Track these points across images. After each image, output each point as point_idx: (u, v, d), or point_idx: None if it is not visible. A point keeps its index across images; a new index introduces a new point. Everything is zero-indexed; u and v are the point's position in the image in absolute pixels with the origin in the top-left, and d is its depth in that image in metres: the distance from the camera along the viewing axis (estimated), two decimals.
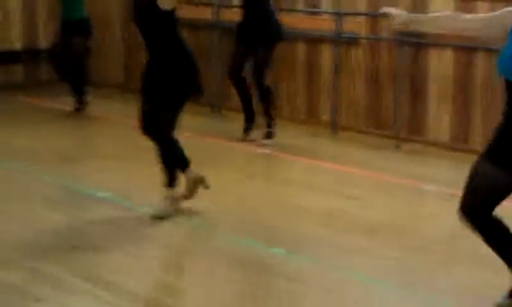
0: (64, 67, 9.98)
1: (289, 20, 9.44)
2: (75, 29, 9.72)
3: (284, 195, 7.12)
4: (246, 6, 8.58)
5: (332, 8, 9.34)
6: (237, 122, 8.92)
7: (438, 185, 7.26)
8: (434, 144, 8.60)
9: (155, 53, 6.05)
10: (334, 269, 5.38)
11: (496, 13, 4.24)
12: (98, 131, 9.62)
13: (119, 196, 6.87)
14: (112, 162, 7.97)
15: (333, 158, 8.33)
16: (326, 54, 9.52)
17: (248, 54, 8.58)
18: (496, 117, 7.97)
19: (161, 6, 5.73)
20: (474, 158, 7.77)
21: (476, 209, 4.35)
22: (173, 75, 6.01)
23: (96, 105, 10.12)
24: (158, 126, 6.06)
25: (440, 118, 8.58)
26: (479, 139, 8.23)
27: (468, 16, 4.51)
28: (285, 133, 9.06)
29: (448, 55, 8.43)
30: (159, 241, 5.96)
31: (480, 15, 4.80)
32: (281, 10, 9.55)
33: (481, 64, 8.20)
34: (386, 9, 4.52)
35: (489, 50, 8.03)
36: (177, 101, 6.04)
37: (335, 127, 9.30)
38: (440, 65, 8.51)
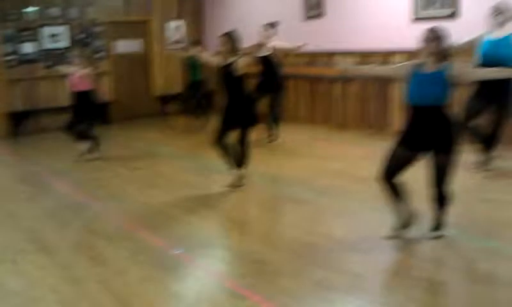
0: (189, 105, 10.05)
1: (299, 69, 9.52)
2: (197, 86, 9.72)
3: (315, 163, 6.98)
4: (264, 67, 7.92)
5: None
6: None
7: None
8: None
9: (232, 97, 5.64)
10: (340, 199, 5.40)
11: (399, 65, 4.24)
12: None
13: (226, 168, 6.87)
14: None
15: (341, 142, 8.18)
16: (328, 87, 9.35)
17: (263, 96, 7.94)
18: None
19: (236, 73, 5.50)
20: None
21: (389, 174, 4.11)
22: (244, 111, 5.68)
23: None
24: (246, 138, 5.76)
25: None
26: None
27: (381, 67, 4.47)
28: (311, 131, 8.89)
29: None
30: (248, 186, 5.91)
31: (388, 67, 4.62)
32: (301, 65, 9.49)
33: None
34: (339, 61, 4.43)
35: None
36: (248, 125, 5.69)
37: (342, 126, 9.19)
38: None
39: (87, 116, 7.44)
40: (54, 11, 10.57)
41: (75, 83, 7.32)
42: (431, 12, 7.71)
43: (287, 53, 8.05)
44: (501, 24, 5.35)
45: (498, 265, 3.82)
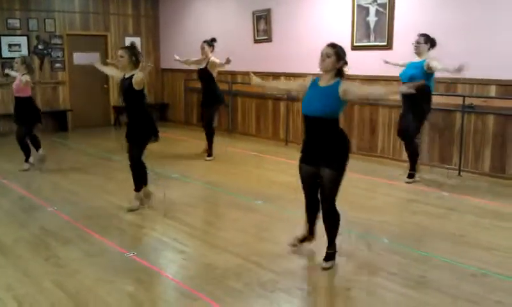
0: None
1: (248, 88, 9.44)
2: None
3: (262, 174, 7.03)
4: (203, 85, 7.84)
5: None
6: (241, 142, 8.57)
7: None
8: None
9: (132, 114, 5.25)
10: (285, 208, 5.38)
11: (299, 81, 4.10)
12: (175, 145, 9.20)
13: (182, 176, 6.79)
14: (180, 159, 7.79)
15: (286, 156, 8.18)
16: (275, 105, 9.46)
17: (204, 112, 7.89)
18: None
19: (136, 88, 5.06)
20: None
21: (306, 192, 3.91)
22: (143, 127, 5.22)
23: (174, 132, 9.81)
24: (136, 156, 5.28)
25: None
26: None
27: (286, 82, 4.25)
28: (260, 145, 8.86)
29: None
30: (202, 195, 5.87)
31: (293, 82, 4.32)
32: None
33: None
34: (251, 78, 4.32)
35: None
36: (145, 141, 5.24)
37: (287, 141, 9.29)
38: None
39: (26, 122, 7.08)
40: (14, 22, 10.26)
41: (15, 89, 7.02)
42: (366, 43, 7.95)
43: (218, 68, 7.86)
44: (419, 53, 6.20)
45: (428, 271, 3.91)
